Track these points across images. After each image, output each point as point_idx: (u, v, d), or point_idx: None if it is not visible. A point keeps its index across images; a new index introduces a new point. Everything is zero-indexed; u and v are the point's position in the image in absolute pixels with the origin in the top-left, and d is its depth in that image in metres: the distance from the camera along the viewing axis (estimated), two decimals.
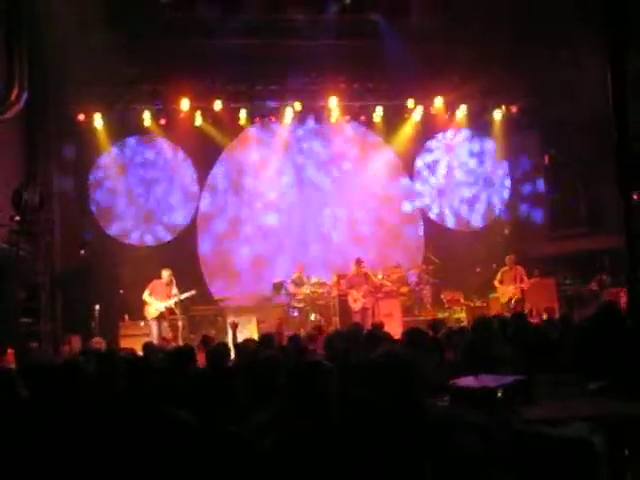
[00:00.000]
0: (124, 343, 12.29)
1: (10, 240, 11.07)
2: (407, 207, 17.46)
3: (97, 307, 13.27)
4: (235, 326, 8.80)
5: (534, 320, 10.37)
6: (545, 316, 11.34)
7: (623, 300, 12.46)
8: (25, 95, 11.33)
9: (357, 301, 12.93)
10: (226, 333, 13.01)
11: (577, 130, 14.83)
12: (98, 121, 15.07)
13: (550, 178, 17.06)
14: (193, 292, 12.93)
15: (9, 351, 9.25)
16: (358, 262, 13.39)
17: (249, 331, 12.52)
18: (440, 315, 13.49)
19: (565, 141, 16.02)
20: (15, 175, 12.72)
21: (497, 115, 16.88)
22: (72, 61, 13.88)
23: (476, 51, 15.17)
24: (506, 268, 13.55)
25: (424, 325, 7.91)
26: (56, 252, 13.85)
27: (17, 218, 11.07)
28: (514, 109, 16.55)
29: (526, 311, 12.05)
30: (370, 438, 2.79)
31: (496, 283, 13.60)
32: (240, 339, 8.78)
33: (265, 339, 6.71)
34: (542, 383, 2.50)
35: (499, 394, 2.04)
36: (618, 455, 1.74)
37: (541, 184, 17.38)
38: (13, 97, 11.05)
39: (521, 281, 13.39)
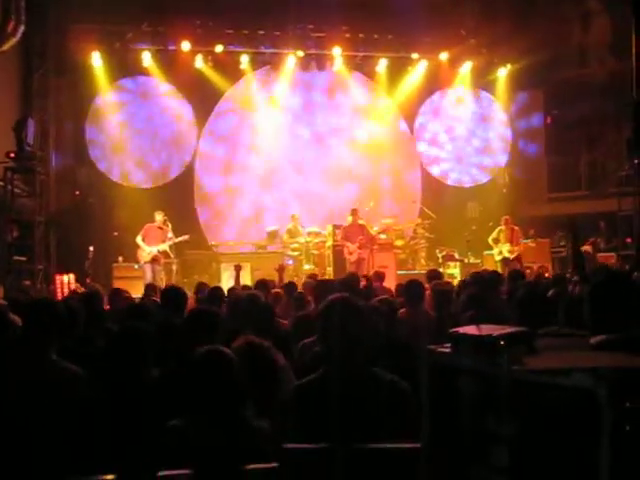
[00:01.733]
0: (117, 285, 12.29)
1: (5, 177, 10.96)
2: (405, 160, 17.35)
3: (91, 248, 13.24)
4: (239, 269, 8.72)
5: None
6: (538, 275, 11.36)
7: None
8: (22, 28, 11.09)
9: (353, 253, 12.92)
10: (219, 279, 13.04)
11: (582, 91, 14.67)
12: (97, 60, 14.81)
13: (551, 139, 16.96)
14: (186, 237, 12.89)
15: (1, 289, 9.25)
16: (354, 213, 13.34)
17: (243, 278, 12.52)
18: None
19: (569, 102, 15.87)
20: (11, 111, 12.55)
21: (501, 72, 16.67)
22: None
23: (483, 4, 14.90)
24: (502, 227, 13.53)
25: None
26: (51, 191, 13.76)
27: (12, 155, 10.93)
28: (519, 66, 16.32)
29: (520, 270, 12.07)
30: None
31: (491, 241, 13.60)
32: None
33: (260, 285, 6.70)
34: (544, 334, 2.48)
35: (501, 342, 2.01)
36: (619, 407, 1.72)
37: (542, 145, 17.28)
38: (9, 29, 10.81)
39: (517, 242, 13.38)
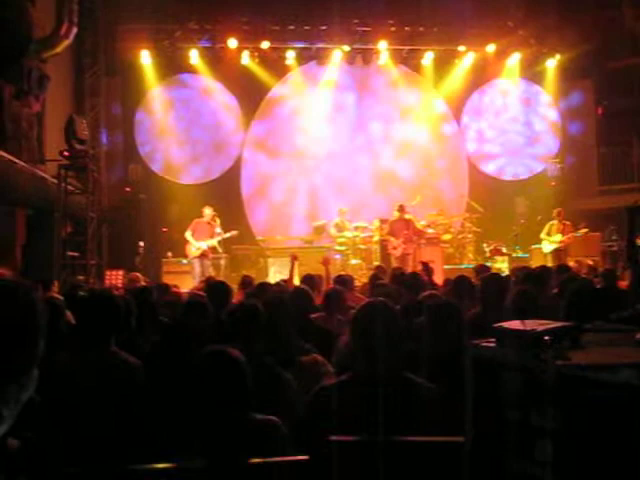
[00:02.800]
0: (166, 280, 12.50)
1: (59, 175, 11.24)
2: (453, 154, 17.23)
3: (141, 243, 13.49)
4: (295, 259, 8.71)
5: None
6: (587, 269, 11.14)
7: None
8: (75, 30, 11.36)
9: (397, 248, 12.88)
10: (266, 274, 13.15)
11: (633, 80, 14.33)
12: (146, 58, 15.10)
13: (602, 130, 16.61)
14: (235, 232, 12.99)
15: (56, 283, 9.50)
16: (401, 208, 13.28)
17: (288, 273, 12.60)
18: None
19: (620, 91, 15.52)
20: (64, 110, 12.87)
21: (550, 63, 16.40)
22: None
23: None
24: (554, 222, 13.32)
25: (466, 273, 7.84)
26: (103, 188, 14.07)
27: (66, 153, 11.20)
28: (568, 56, 16.01)
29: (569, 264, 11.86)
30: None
31: (543, 235, 13.40)
32: (284, 278, 8.80)
33: (306, 279, 6.74)
34: (589, 329, 2.47)
35: (546, 337, 2.02)
36: None
37: (592, 136, 16.94)
38: (63, 32, 11.08)
39: (568, 237, 13.16)
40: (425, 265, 7.43)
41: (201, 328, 4.01)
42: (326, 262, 8.58)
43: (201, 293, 5.90)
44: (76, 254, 11.88)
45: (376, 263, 13.55)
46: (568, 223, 13.30)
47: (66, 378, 3.21)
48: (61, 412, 2.96)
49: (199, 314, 4.51)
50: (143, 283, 9.05)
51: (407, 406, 2.83)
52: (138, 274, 10.00)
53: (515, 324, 2.21)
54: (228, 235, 12.81)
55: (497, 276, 5.55)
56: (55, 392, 2.93)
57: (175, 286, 8.74)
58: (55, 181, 11.25)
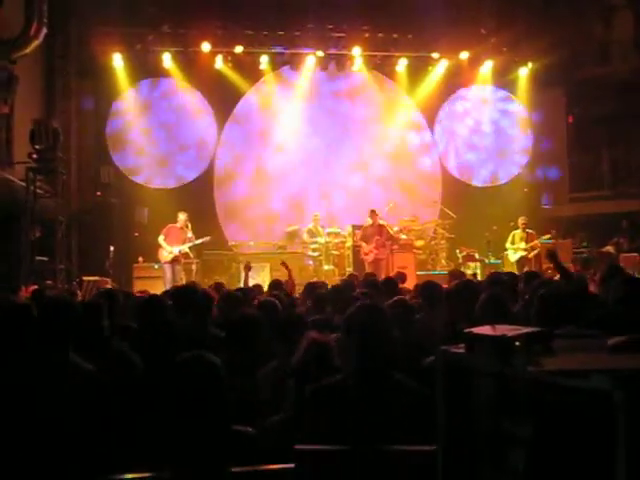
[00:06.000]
0: (137, 285, 12.38)
1: (27, 177, 11.07)
2: (426, 160, 17.29)
3: (112, 248, 13.33)
4: (248, 269, 8.69)
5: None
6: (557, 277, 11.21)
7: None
8: (44, 31, 11.22)
9: (369, 253, 12.88)
10: (239, 279, 13.06)
11: (604, 89, 14.51)
12: (118, 61, 14.94)
13: (573, 138, 16.79)
14: (207, 238, 12.91)
15: (24, 288, 9.34)
16: (374, 214, 13.30)
17: (262, 278, 12.55)
18: None
19: (591, 100, 15.70)
20: (34, 112, 12.67)
21: (522, 71, 16.55)
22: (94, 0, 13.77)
23: (503, 3, 14.80)
24: (517, 231, 13.47)
25: (438, 279, 7.84)
26: (72, 191, 13.89)
27: (34, 155, 11.04)
28: (540, 65, 16.17)
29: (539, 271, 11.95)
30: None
31: (507, 245, 13.54)
32: (251, 284, 8.76)
33: (274, 284, 6.70)
34: (560, 335, 2.45)
35: (516, 343, 1.99)
36: (636, 409, 1.69)
37: (563, 144, 17.12)
38: (32, 32, 10.94)
39: (532, 245, 13.29)
40: (398, 273, 7.46)
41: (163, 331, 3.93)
42: (285, 264, 8.60)
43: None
44: (45, 258, 11.71)
45: (349, 269, 13.56)
46: (532, 232, 13.43)
47: (17, 386, 3.11)
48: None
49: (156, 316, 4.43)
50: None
51: (397, 407, 2.85)
52: (107, 280, 9.89)
53: (485, 329, 2.18)
54: (200, 241, 12.72)
55: (471, 282, 5.54)
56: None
57: (145, 291, 8.64)
58: (23, 184, 11.08)
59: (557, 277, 10.05)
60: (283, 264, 8.48)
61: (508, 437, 1.99)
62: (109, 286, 9.10)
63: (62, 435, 2.92)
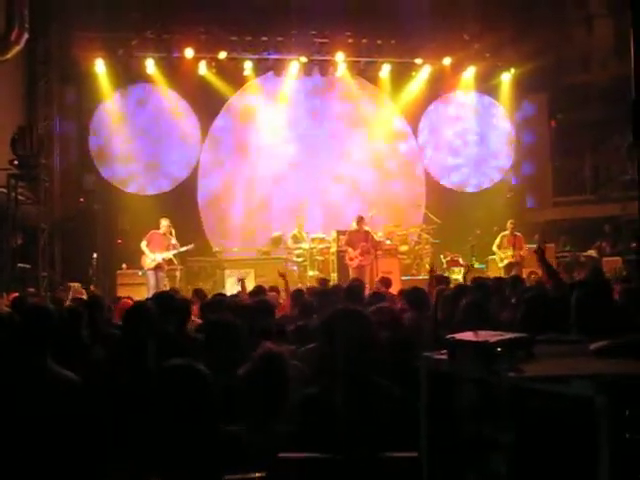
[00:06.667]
0: (121, 292, 12.29)
1: (9, 184, 10.98)
2: (409, 166, 17.33)
3: (95, 255, 13.23)
4: (242, 281, 8.73)
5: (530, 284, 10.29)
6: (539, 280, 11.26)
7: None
8: (25, 36, 11.15)
9: (353, 259, 12.86)
10: (223, 285, 13.02)
11: (586, 95, 14.64)
12: (100, 67, 14.84)
13: (556, 143, 16.91)
14: (191, 246, 12.83)
15: (5, 296, 9.24)
16: (359, 220, 13.27)
17: (247, 284, 12.49)
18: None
19: (573, 106, 15.82)
20: (15, 118, 12.58)
21: (505, 77, 16.65)
22: (76, 5, 13.69)
23: (486, 9, 14.89)
24: (506, 233, 13.47)
25: (422, 284, 7.86)
26: (55, 198, 13.78)
27: (16, 162, 10.95)
28: (522, 71, 16.28)
29: (523, 276, 11.98)
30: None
31: (494, 248, 13.55)
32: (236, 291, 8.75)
33: (256, 291, 6.71)
34: (543, 341, 2.45)
35: (498, 349, 1.98)
36: (618, 415, 1.69)
37: (546, 149, 17.23)
38: (13, 37, 10.86)
39: (520, 248, 13.30)
40: (382, 278, 7.47)
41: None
42: (283, 274, 8.60)
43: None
44: (27, 266, 11.61)
45: (333, 274, 13.55)
46: (519, 235, 13.46)
47: None
48: None
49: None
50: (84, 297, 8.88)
51: (381, 413, 2.85)
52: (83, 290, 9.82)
53: (468, 335, 2.18)
54: (184, 249, 12.65)
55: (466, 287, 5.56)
56: None
57: (129, 298, 8.58)
58: (5, 191, 10.99)
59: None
60: (282, 275, 8.52)
61: (490, 442, 1.99)
62: (84, 297, 9.00)
63: (41, 439, 2.89)
